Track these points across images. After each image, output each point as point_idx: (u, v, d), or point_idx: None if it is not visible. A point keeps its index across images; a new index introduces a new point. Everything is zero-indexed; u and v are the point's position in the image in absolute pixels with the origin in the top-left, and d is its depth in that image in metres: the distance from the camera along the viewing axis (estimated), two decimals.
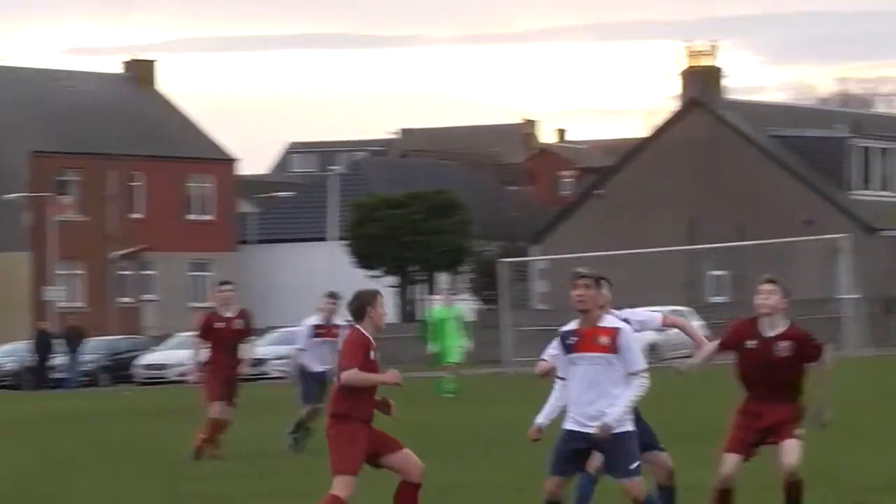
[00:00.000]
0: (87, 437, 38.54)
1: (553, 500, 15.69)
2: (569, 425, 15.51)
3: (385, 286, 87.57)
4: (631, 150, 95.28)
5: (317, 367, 29.38)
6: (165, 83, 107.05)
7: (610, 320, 16.53)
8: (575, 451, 15.62)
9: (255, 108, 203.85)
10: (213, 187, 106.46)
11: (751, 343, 16.87)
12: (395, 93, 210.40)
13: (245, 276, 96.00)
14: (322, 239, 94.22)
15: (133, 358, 74.70)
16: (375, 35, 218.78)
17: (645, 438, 16.38)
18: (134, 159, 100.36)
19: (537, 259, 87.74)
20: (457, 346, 43.87)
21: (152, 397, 58.79)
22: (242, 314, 28.71)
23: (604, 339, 16.15)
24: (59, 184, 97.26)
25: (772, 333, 17.06)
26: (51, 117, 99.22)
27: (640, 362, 15.66)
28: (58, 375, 74.08)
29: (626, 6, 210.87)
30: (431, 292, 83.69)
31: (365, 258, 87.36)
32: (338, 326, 29.10)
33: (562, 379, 15.74)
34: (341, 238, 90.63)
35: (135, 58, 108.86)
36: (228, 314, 28.13)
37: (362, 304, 17.30)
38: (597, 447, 15.56)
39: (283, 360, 69.16)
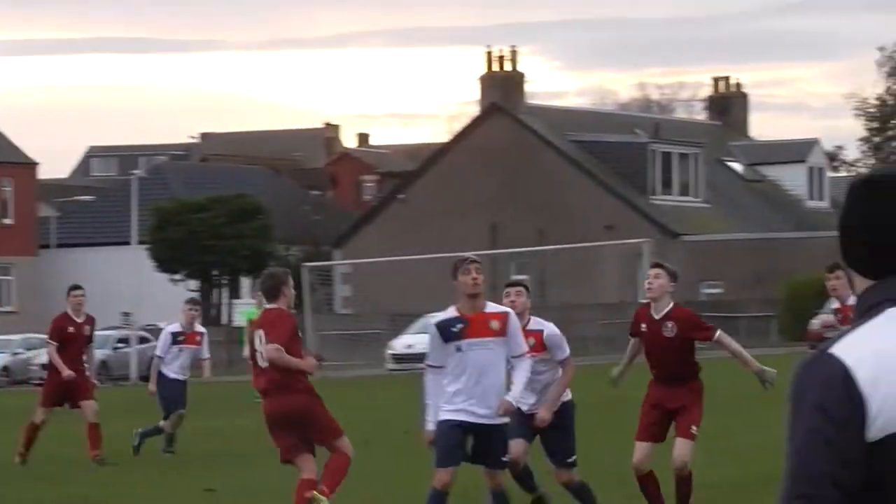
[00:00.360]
0: None
1: (446, 492, 15.61)
2: (456, 416, 15.38)
3: (187, 290, 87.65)
4: (432, 155, 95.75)
5: (176, 375, 29.07)
6: None
7: (495, 306, 16.78)
8: (462, 440, 15.55)
9: (52, 112, 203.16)
10: (13, 191, 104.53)
11: (644, 327, 17.57)
12: (195, 97, 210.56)
13: (46, 281, 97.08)
14: (125, 243, 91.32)
15: None
16: (172, 39, 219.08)
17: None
18: None
19: (340, 263, 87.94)
20: None
21: None
22: (90, 320, 28.39)
23: (495, 324, 16.24)
24: None
25: (658, 316, 17.72)
26: None
27: (524, 345, 15.81)
28: None
29: (425, 11, 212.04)
30: (235, 296, 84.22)
31: (167, 262, 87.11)
32: (199, 333, 29.33)
33: (437, 368, 15.66)
34: (142, 242, 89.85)
35: None
36: (80, 319, 27.86)
37: (277, 283, 17.57)
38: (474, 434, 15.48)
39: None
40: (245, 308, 60.52)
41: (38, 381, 70.13)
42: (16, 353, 69.16)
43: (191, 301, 29.76)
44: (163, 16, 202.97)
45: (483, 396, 15.44)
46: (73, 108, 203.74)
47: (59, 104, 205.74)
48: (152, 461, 28.18)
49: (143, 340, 68.86)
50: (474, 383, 15.42)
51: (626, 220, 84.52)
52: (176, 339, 28.45)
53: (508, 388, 15.90)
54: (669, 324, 18.16)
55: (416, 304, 70.39)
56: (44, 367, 30.13)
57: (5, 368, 68.14)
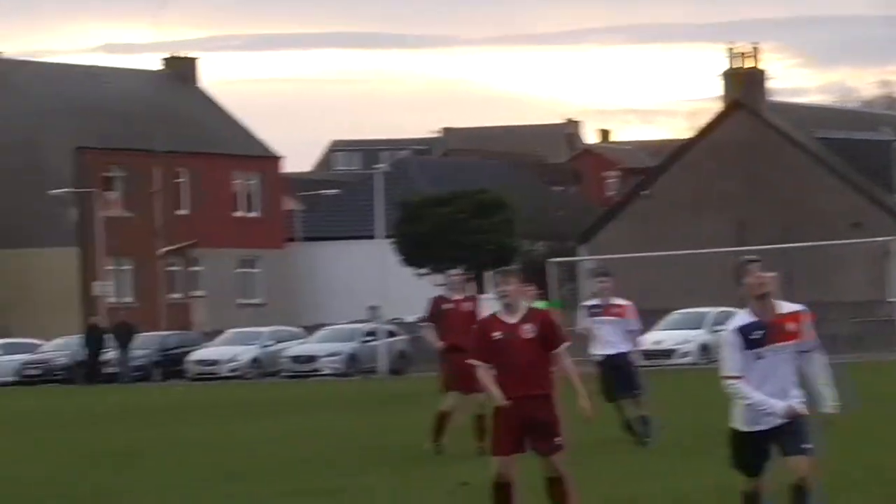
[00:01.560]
0: (143, 433, 38.72)
1: (758, 493, 15.14)
2: (757, 427, 14.93)
3: (434, 284, 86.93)
4: (675, 151, 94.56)
5: (606, 350, 28.15)
6: (207, 81, 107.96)
7: (788, 305, 16.01)
8: (765, 447, 14.96)
9: (296, 106, 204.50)
10: (259, 184, 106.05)
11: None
12: (433, 92, 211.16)
13: (293, 274, 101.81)
14: (369, 237, 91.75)
15: (184, 353, 75.27)
16: (408, 34, 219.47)
17: None
18: (178, 156, 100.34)
19: (586, 259, 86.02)
20: None
21: (205, 393, 59.46)
22: (471, 298, 27.78)
23: (791, 326, 15.73)
24: (104, 180, 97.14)
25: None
26: (92, 113, 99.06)
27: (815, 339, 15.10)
28: (110, 370, 74.08)
29: (666, 8, 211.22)
30: (479, 291, 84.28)
31: (412, 256, 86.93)
32: (618, 305, 28.35)
33: (738, 378, 14.98)
34: (388, 236, 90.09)
35: (175, 55, 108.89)
36: (457, 296, 27.29)
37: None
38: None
39: (334, 357, 70.44)
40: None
41: (288, 374, 71.81)
42: (265, 346, 70.28)
43: (603, 273, 29.03)
44: (397, 12, 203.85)
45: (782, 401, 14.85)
46: (316, 102, 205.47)
47: (301, 98, 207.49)
48: (404, 454, 27.62)
49: (391, 334, 69.51)
50: (778, 391, 14.90)
51: (873, 217, 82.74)
52: (592, 311, 27.77)
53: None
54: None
55: (662, 300, 70.54)
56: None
57: (255, 360, 69.30)
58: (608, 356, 27.65)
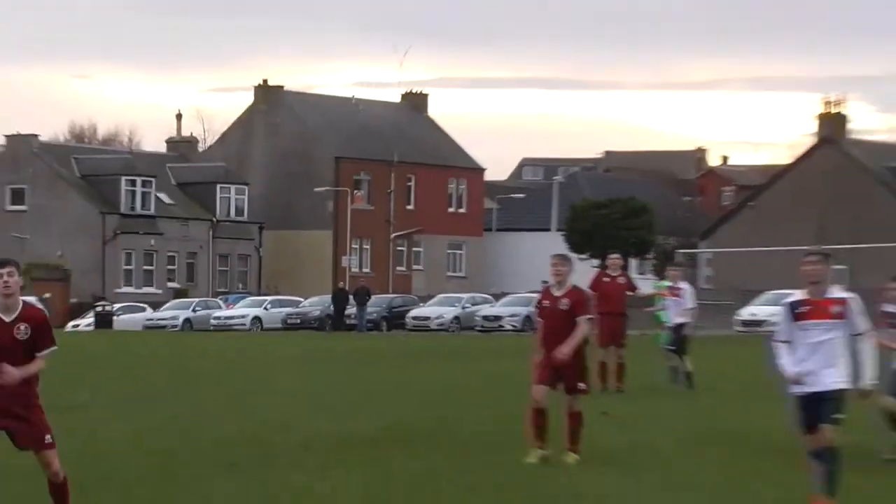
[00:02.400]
0: (379, 372, 37.84)
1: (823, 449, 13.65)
2: (796, 389, 13.95)
3: (591, 266, 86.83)
4: (777, 174, 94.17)
5: (673, 321, 27.38)
6: (434, 110, 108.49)
7: (840, 291, 14.87)
8: (809, 409, 13.76)
9: (497, 131, 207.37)
10: (466, 188, 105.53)
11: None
12: (599, 124, 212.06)
13: (488, 255, 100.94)
14: (546, 230, 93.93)
15: (405, 311, 75.23)
16: (587, 79, 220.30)
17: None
18: (410, 166, 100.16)
19: (704, 251, 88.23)
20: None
21: (420, 341, 58.95)
22: (624, 275, 27.21)
23: (835, 308, 14.59)
24: (354, 182, 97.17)
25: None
26: (348, 133, 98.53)
27: (864, 325, 13.98)
28: (350, 322, 74.14)
29: (778, 64, 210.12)
30: (626, 269, 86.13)
31: (577, 245, 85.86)
32: (678, 288, 27.47)
33: (784, 343, 13.98)
34: (559, 230, 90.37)
35: (411, 90, 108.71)
36: (614, 274, 26.37)
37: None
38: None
39: (514, 318, 68.63)
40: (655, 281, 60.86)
41: (479, 329, 71.71)
42: (464, 307, 70.56)
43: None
44: (578, 61, 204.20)
45: (815, 370, 13.74)
46: (513, 128, 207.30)
47: (502, 125, 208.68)
48: None
49: None
50: (822, 364, 13.70)
51: None
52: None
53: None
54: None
55: (760, 283, 69.49)
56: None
57: (456, 318, 69.44)
58: (672, 325, 27.13)
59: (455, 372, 33.42)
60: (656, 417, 21.33)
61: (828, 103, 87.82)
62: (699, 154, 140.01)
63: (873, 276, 71.35)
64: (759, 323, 61.86)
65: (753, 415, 20.95)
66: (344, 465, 16.35)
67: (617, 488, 14.51)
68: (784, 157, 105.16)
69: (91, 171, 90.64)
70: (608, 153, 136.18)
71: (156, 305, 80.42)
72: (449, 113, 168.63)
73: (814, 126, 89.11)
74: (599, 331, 24.54)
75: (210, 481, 15.41)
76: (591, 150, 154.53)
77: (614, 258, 27.13)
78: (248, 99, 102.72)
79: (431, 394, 27.37)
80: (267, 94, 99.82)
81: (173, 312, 77.53)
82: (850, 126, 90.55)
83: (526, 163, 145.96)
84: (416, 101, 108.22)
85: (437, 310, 70.64)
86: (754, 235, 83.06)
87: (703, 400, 24.60)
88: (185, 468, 16.69)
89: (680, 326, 27.34)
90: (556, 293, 16.17)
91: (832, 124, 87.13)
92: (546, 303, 16.05)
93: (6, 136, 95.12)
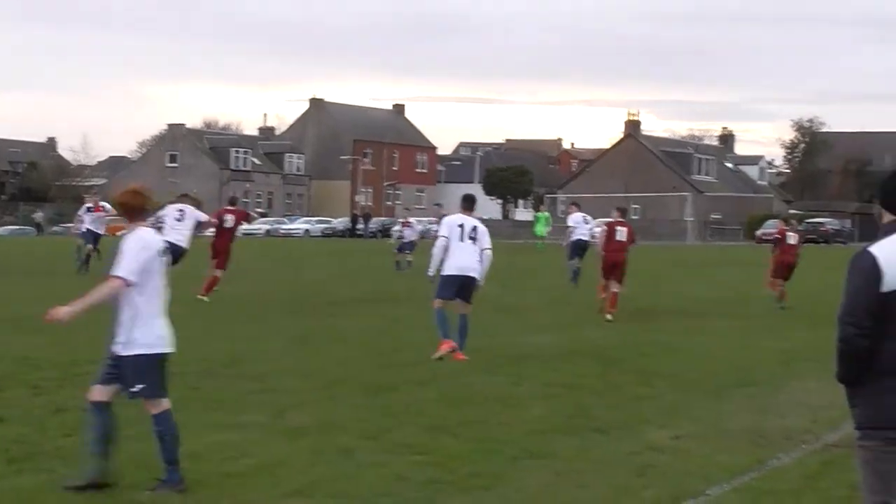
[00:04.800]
0: (380, 258, 48.86)
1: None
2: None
3: (496, 203, 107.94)
4: (602, 153, 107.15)
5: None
6: (409, 114, 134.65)
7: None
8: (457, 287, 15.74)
9: (444, 125, 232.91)
10: (426, 158, 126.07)
11: None
12: (505, 121, 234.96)
13: (439, 197, 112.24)
14: (471, 182, 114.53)
15: (391, 227, 78.73)
16: (496, 98, 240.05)
17: None
18: (395, 145, 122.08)
19: (561, 195, 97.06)
20: None
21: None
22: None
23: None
24: (363, 153, 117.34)
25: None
26: (361, 125, 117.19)
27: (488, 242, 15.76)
28: (360, 233, 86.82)
29: (601, 91, 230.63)
30: None
31: (490, 192, 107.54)
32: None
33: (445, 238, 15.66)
34: (480, 182, 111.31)
35: (397, 103, 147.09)
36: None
37: None
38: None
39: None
40: None
41: None
42: (425, 227, 55.70)
43: None
44: (487, 85, 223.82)
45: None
46: (453, 123, 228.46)
47: (446, 122, 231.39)
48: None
49: None
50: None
51: (681, 187, 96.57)
52: None
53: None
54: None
55: (595, 214, 55.88)
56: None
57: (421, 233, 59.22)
58: (576, 240, 30.89)
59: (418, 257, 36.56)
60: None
61: (630, 114, 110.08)
62: (558, 141, 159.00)
63: (656, 213, 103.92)
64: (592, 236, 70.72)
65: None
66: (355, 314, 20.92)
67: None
68: (607, 143, 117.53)
69: (215, 144, 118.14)
70: (508, 140, 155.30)
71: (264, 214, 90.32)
72: (420, 115, 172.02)
73: (622, 127, 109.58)
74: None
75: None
76: (499, 137, 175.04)
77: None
78: (305, 105, 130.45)
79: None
80: (317, 103, 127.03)
81: (259, 225, 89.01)
82: (642, 128, 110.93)
83: (461, 145, 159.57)
84: (398, 109, 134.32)
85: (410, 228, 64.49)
86: (590, 187, 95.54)
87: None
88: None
89: (583, 241, 30.59)
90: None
91: (633, 126, 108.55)
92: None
93: (168, 124, 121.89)
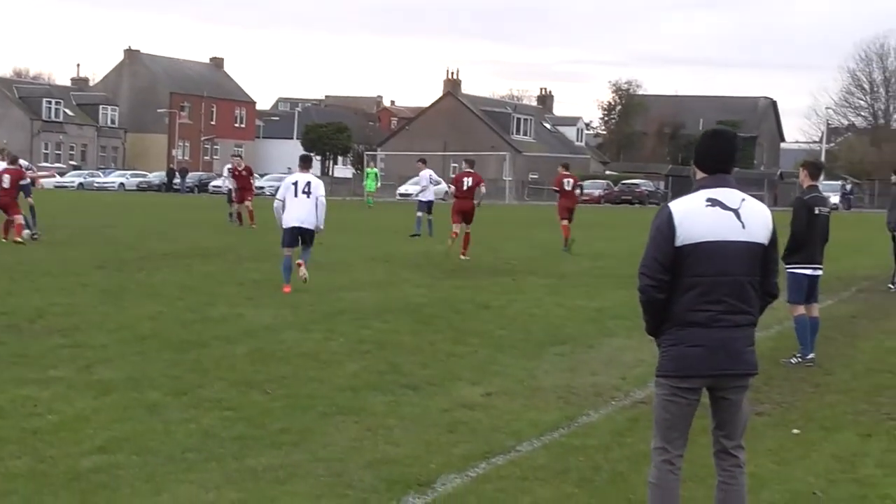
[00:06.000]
0: (195, 214, 50.28)
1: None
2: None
3: (315, 159, 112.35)
4: (422, 111, 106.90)
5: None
6: (228, 67, 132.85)
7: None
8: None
9: (265, 78, 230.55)
10: (245, 113, 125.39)
11: None
12: (326, 75, 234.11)
13: (258, 153, 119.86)
14: (291, 139, 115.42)
15: (208, 182, 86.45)
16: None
17: None
18: (214, 99, 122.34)
19: (380, 153, 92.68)
20: None
21: (218, 199, 66.40)
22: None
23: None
24: (180, 107, 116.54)
25: None
26: (179, 79, 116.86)
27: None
28: (176, 188, 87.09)
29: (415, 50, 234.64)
30: None
31: (308, 149, 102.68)
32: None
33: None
34: (298, 139, 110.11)
35: (215, 56, 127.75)
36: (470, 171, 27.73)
37: None
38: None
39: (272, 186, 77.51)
40: None
41: None
42: None
43: None
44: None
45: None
46: (272, 77, 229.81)
47: (267, 75, 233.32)
48: None
49: None
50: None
51: (499, 146, 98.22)
52: None
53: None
54: None
55: (408, 173, 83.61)
56: None
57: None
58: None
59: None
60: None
61: (450, 73, 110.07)
62: (379, 99, 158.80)
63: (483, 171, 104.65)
64: (407, 195, 75.23)
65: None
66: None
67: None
68: (427, 101, 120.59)
69: (26, 94, 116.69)
70: (327, 96, 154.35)
71: (62, 174, 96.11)
72: (238, 69, 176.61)
73: (441, 86, 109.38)
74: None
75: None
76: (319, 93, 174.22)
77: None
78: (120, 56, 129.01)
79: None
80: (131, 54, 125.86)
81: (71, 179, 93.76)
82: (462, 87, 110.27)
83: (280, 100, 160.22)
84: (217, 62, 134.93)
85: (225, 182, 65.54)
86: (410, 145, 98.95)
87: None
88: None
89: (431, 201, 33.55)
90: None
91: (453, 85, 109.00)
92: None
93: None
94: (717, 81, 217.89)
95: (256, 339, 13.77)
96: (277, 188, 20.00)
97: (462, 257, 25.96)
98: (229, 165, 39.20)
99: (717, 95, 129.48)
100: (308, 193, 18.38)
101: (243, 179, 38.11)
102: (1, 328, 14.04)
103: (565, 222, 29.54)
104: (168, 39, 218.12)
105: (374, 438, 9.02)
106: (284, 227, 18.51)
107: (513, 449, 8.79)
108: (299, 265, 18.46)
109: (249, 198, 37.51)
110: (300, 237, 18.54)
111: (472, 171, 27.26)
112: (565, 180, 29.73)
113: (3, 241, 27.11)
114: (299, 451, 8.42)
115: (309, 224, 18.41)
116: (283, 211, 18.49)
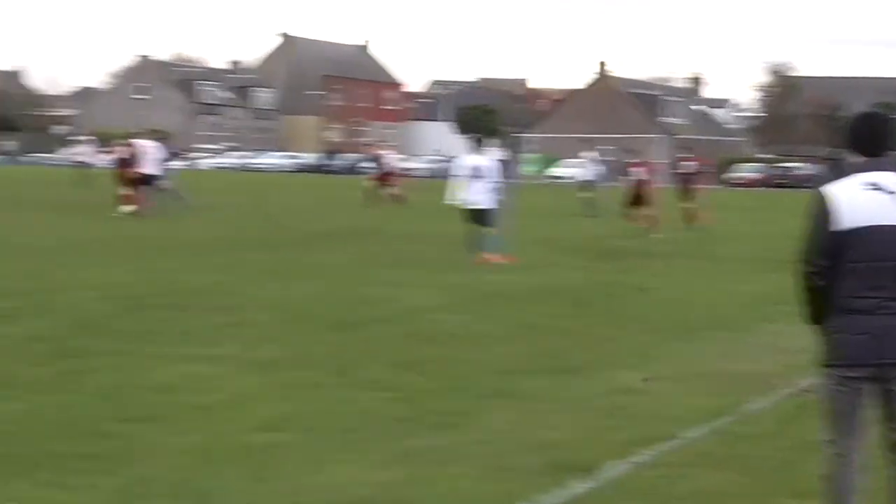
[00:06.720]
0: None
1: None
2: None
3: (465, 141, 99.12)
4: (571, 94, 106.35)
5: None
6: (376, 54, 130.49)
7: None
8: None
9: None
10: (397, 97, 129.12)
11: None
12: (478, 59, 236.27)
13: (414, 134, 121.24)
14: (444, 121, 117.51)
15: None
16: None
17: None
18: (366, 82, 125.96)
19: (530, 135, 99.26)
20: None
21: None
22: None
23: None
24: (332, 90, 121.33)
25: None
26: (334, 62, 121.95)
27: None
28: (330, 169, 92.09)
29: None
30: None
31: (460, 131, 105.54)
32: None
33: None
34: (451, 121, 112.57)
35: (367, 41, 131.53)
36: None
37: None
38: None
39: (423, 168, 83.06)
40: None
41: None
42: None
43: None
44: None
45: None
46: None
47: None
48: None
49: None
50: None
51: (652, 130, 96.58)
52: None
53: None
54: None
55: (565, 154, 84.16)
56: None
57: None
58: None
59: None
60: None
61: (601, 63, 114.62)
62: (525, 81, 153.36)
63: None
64: (561, 176, 75.32)
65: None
66: None
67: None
68: (577, 85, 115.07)
69: (183, 77, 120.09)
70: (482, 78, 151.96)
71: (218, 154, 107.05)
72: (392, 50, 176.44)
73: (586, 68, 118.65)
74: None
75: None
76: (471, 76, 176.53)
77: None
78: (277, 39, 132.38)
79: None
80: (287, 38, 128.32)
81: (231, 160, 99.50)
82: (610, 69, 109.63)
83: (435, 83, 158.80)
84: (365, 44, 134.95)
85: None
86: (559, 127, 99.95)
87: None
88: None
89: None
90: None
91: (604, 67, 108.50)
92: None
93: (136, 56, 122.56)
94: (871, 63, 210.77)
95: (411, 321, 13.87)
96: (442, 169, 21.64)
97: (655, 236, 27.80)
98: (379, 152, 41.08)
99: (872, 77, 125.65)
100: (481, 176, 19.42)
101: (384, 165, 39.95)
102: (166, 306, 14.39)
103: (687, 204, 30.86)
104: (320, 22, 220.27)
105: (532, 422, 8.95)
106: (462, 207, 19.80)
107: (674, 435, 8.68)
108: (482, 254, 19.42)
109: (395, 182, 39.28)
110: (475, 217, 19.66)
111: (690, 155, 30.45)
112: (684, 163, 31.41)
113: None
114: (458, 433, 8.41)
115: (484, 204, 19.52)
116: (461, 191, 19.67)
